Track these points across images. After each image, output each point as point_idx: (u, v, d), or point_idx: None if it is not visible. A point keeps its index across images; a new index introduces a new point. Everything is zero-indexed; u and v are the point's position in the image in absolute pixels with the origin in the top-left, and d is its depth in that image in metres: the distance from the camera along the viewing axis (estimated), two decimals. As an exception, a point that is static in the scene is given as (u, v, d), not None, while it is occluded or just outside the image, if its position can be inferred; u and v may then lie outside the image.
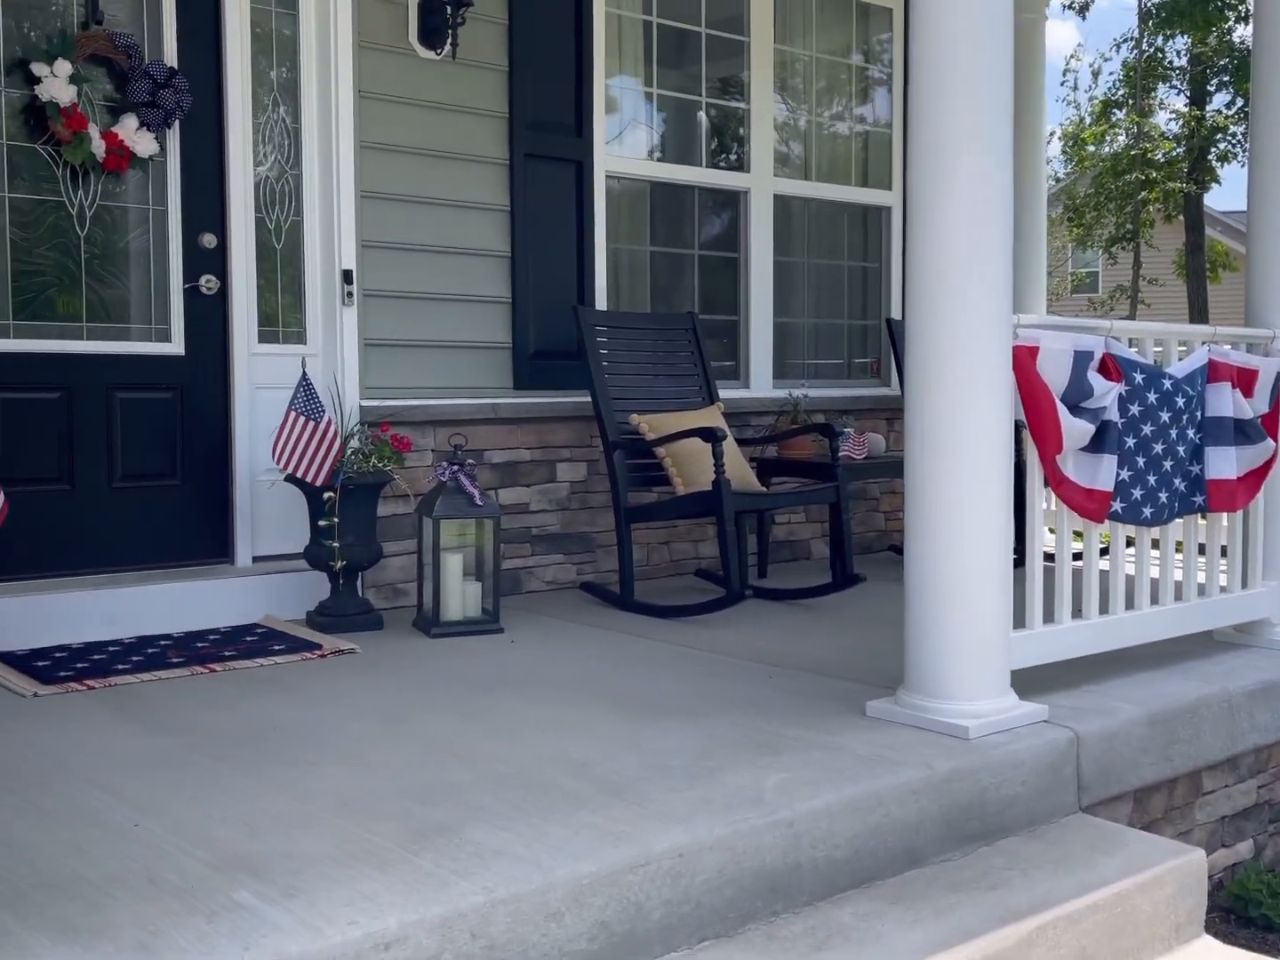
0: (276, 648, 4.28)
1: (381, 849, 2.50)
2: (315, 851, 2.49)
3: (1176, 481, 3.87)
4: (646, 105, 6.02)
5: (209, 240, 4.82)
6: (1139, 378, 3.69)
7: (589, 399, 5.29)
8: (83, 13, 4.54)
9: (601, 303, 5.67)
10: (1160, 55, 21.23)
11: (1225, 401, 3.97)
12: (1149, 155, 21.06)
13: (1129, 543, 3.94)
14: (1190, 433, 3.89)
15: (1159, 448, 3.77)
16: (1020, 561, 3.54)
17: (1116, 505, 3.70)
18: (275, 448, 4.49)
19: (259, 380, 4.93)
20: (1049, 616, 3.64)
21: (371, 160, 5.01)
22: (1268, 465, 4.10)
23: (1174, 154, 21.13)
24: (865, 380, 6.88)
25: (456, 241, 5.24)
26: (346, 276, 4.95)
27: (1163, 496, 3.81)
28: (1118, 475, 3.66)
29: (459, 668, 4.09)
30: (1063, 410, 3.48)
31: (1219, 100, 21.01)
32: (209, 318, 4.84)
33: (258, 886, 2.32)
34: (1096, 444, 3.61)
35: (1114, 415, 3.61)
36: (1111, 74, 28.11)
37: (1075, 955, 2.78)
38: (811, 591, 5.22)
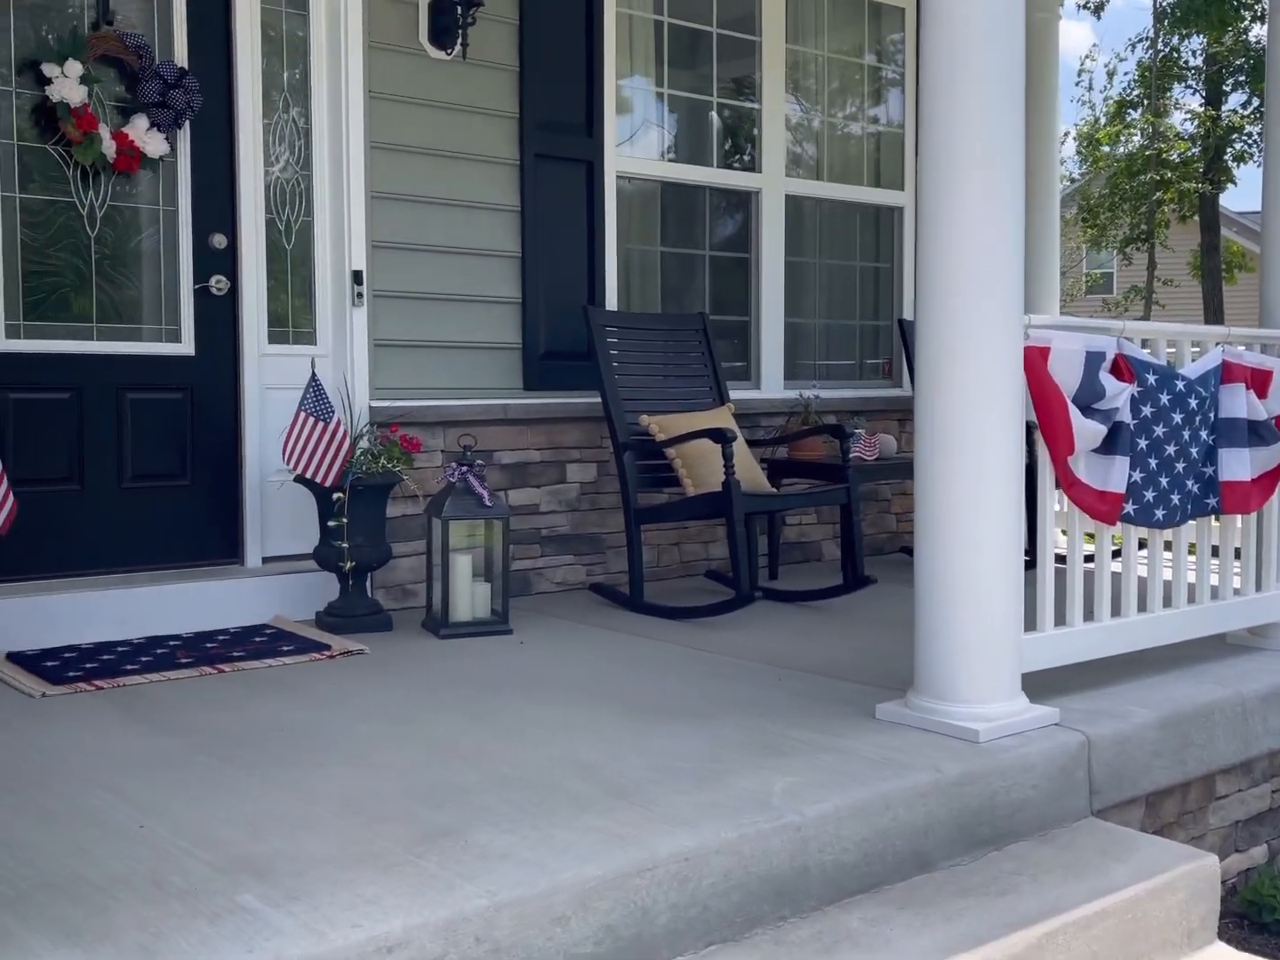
0: (285, 648, 4.28)
1: (386, 851, 2.49)
2: (319, 853, 2.48)
3: (1189, 483, 3.84)
4: (657, 105, 6.00)
5: (219, 241, 4.82)
6: (1152, 379, 3.66)
7: (599, 400, 5.27)
8: (93, 13, 4.54)
9: (612, 303, 5.66)
10: (1176, 55, 21.13)
11: (1239, 403, 3.94)
12: (1164, 155, 20.96)
13: (1141, 544, 3.91)
14: (1203, 434, 3.86)
15: (1171, 449, 3.74)
16: (1032, 563, 3.52)
17: (1129, 507, 3.67)
18: (285, 448, 4.49)
19: (269, 381, 4.92)
20: (1060, 619, 3.61)
21: (382, 160, 5.00)
22: (1282, 467, 4.06)
23: (1189, 154, 21.03)
24: (877, 381, 6.86)
25: (466, 242, 5.23)
26: (356, 277, 4.95)
27: (1175, 498, 3.78)
28: (1130, 477, 3.63)
29: (467, 669, 4.08)
30: (1074, 411, 3.45)
31: (1235, 100, 20.93)
32: (219, 318, 4.85)
33: (261, 889, 2.31)
34: (1109, 445, 3.58)
35: (1126, 416, 3.58)
36: (1126, 74, 28.01)
37: (1086, 961, 2.75)
38: (822, 593, 5.20)
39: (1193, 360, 3.96)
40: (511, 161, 5.34)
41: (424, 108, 5.10)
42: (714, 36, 6.09)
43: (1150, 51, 20.91)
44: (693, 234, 6.17)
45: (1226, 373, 3.94)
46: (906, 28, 6.79)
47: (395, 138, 5.03)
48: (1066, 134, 24.58)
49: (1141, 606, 3.86)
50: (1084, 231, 23.08)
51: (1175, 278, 22.42)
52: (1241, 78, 20.42)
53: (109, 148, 4.50)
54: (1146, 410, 3.65)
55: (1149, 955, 2.90)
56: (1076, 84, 33.51)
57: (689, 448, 5.07)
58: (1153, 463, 3.70)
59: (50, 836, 2.59)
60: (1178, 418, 3.74)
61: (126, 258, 4.68)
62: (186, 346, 4.79)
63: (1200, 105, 21.22)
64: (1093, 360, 3.50)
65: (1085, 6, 19.09)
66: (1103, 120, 23.66)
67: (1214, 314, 19.40)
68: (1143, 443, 3.65)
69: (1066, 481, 3.54)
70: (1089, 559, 3.82)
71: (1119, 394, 3.55)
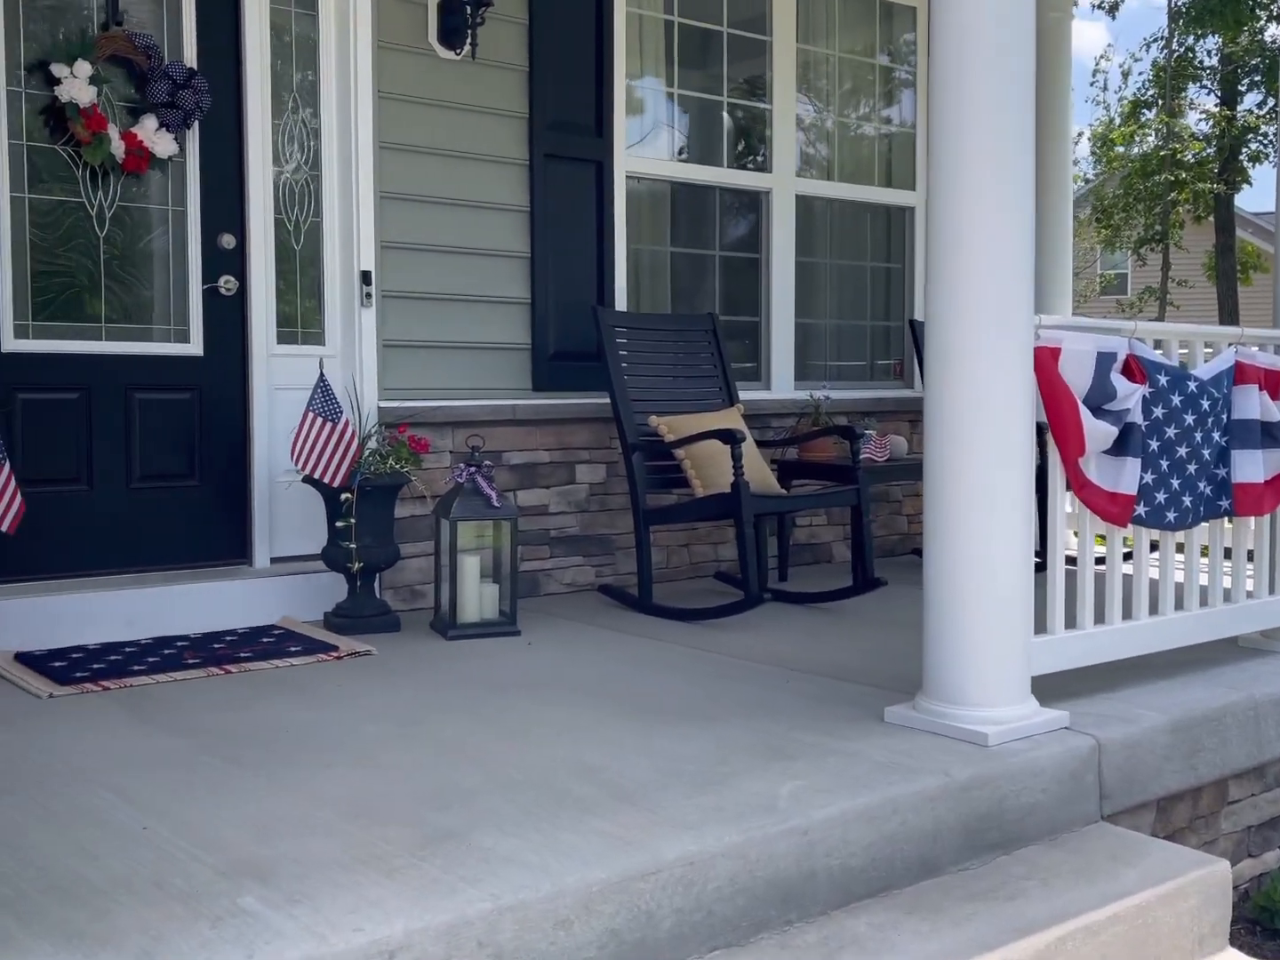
0: (293, 649, 4.27)
1: (389, 854, 2.48)
2: (323, 856, 2.47)
3: (1201, 485, 3.81)
4: (668, 105, 5.99)
5: (228, 241, 4.82)
6: (1163, 379, 3.63)
7: (608, 400, 5.26)
8: (103, 14, 4.54)
9: (621, 304, 5.64)
10: (1191, 55, 21.04)
11: (1252, 404, 3.91)
12: (1179, 156, 20.87)
13: (1153, 546, 3.88)
14: (1216, 435, 3.83)
15: (1183, 450, 3.71)
16: (1042, 565, 3.50)
17: (1140, 509, 3.64)
18: (293, 448, 4.49)
19: (278, 381, 4.92)
20: (1071, 621, 3.58)
21: (391, 161, 5.00)
22: (1296, 469, 4.03)
23: (1204, 154, 20.93)
24: (888, 382, 6.83)
25: (475, 242, 5.22)
26: (365, 277, 4.94)
27: (1187, 500, 3.75)
28: (1141, 478, 3.60)
29: (475, 670, 4.07)
30: (1085, 412, 3.43)
31: (1250, 100, 20.83)
32: (228, 318, 4.84)
33: (263, 892, 2.30)
34: (1119, 447, 3.55)
35: (1137, 417, 3.56)
36: (1141, 74, 27.93)
37: (1095, 967, 2.73)
38: (831, 595, 5.17)
39: (1205, 361, 3.93)
40: (521, 161, 5.33)
41: (433, 108, 5.09)
42: (724, 36, 6.08)
43: (1165, 51, 20.83)
44: (703, 234, 6.15)
45: (1240, 374, 3.90)
46: (919, 28, 6.76)
47: (404, 138, 5.02)
48: (1080, 134, 24.52)
49: (1153, 609, 3.83)
50: (1098, 232, 23.00)
51: (1190, 279, 22.32)
52: (1257, 78, 20.32)
53: (118, 148, 4.50)
54: (1158, 411, 3.62)
55: (1159, 961, 2.88)
56: (1091, 84, 33.49)
57: (698, 449, 5.05)
58: (1164, 464, 3.67)
59: (53, 837, 2.58)
60: (1190, 419, 3.71)
61: (135, 258, 4.68)
62: (195, 347, 4.79)
63: (1215, 105, 21.13)
64: (1104, 361, 3.47)
65: (1100, 6, 19.02)
66: (1117, 120, 23.58)
67: (1229, 315, 19.31)
68: (1154, 444, 3.62)
69: (1077, 483, 3.52)
70: (1100, 561, 3.78)
71: (1130, 395, 3.52)
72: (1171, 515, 3.73)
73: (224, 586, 4.67)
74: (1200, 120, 21.81)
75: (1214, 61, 21.04)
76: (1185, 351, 3.94)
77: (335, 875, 2.37)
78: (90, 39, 4.47)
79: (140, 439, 4.68)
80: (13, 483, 4.04)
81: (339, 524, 4.52)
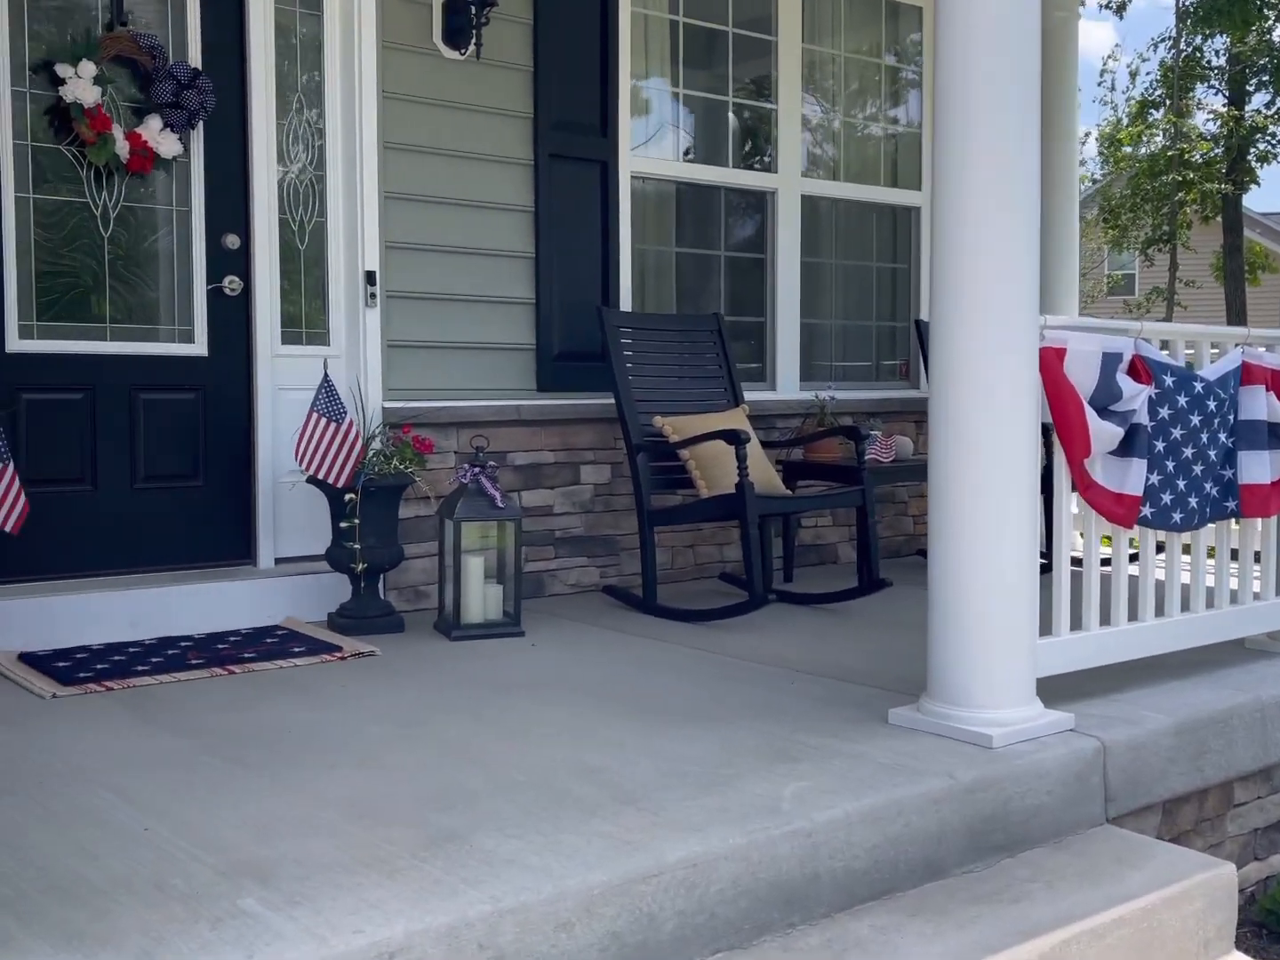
0: (296, 650, 4.27)
1: (391, 856, 2.47)
2: (324, 857, 2.46)
3: (1208, 486, 3.79)
4: (673, 105, 5.98)
5: (232, 241, 4.82)
6: (1169, 380, 3.62)
7: (613, 401, 5.25)
8: (107, 14, 4.54)
9: (626, 304, 5.64)
10: (1199, 55, 20.99)
11: (1259, 404, 3.89)
12: (1186, 156, 20.82)
13: (1159, 548, 3.86)
14: (1222, 436, 3.81)
15: (1189, 452, 3.69)
16: (1047, 567, 3.48)
17: (1146, 510, 3.62)
18: (297, 449, 4.48)
19: (282, 381, 4.92)
20: (1076, 623, 3.57)
21: (395, 161, 4.99)
22: (1303, 470, 4.01)
23: (1212, 154, 20.88)
24: (893, 382, 6.81)
25: (480, 242, 5.21)
26: (370, 277, 4.94)
27: (1193, 501, 3.74)
28: (1147, 479, 3.59)
29: (478, 671, 4.06)
30: (1090, 413, 3.41)
31: (1258, 100, 20.76)
32: (232, 319, 4.84)
33: (263, 893, 2.29)
34: (1125, 448, 3.54)
35: (1143, 418, 3.54)
36: (1149, 74, 27.87)
37: (1100, 971, 2.71)
38: (836, 596, 5.16)
39: (1212, 362, 3.91)
40: (525, 161, 5.32)
41: (438, 108, 5.09)
42: (729, 36, 6.06)
43: (1173, 51, 20.79)
44: (708, 234, 6.14)
45: (1246, 374, 3.89)
46: (925, 28, 6.75)
47: (409, 138, 5.02)
48: (1088, 135, 24.48)
49: (1159, 611, 3.82)
50: (1105, 232, 22.95)
51: (1197, 279, 22.27)
52: (1265, 78, 20.25)
53: (122, 148, 4.50)
54: (1164, 412, 3.61)
55: (1165, 965, 2.87)
56: (1099, 84, 33.42)
57: (703, 449, 5.04)
58: (1170, 465, 3.65)
59: (53, 837, 2.58)
60: (1196, 420, 3.69)
61: (140, 258, 4.68)
62: (199, 347, 4.79)
63: (1223, 105, 21.07)
64: (1109, 361, 3.46)
65: (1107, 6, 19.00)
66: (1125, 121, 23.52)
67: (1236, 315, 19.26)
68: (1160, 445, 3.61)
69: (1082, 484, 3.50)
70: (1105, 562, 3.77)
71: (1136, 395, 3.51)
72: (1177, 516, 3.71)
73: (228, 587, 4.67)
74: (1208, 120, 21.77)
75: (1222, 61, 20.99)
76: (1191, 352, 3.93)
77: (336, 876, 2.36)
78: (95, 39, 4.47)
79: (144, 439, 4.68)
80: (17, 483, 4.04)
81: (343, 524, 4.52)
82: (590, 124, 5.50)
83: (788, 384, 6.23)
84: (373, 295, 4.94)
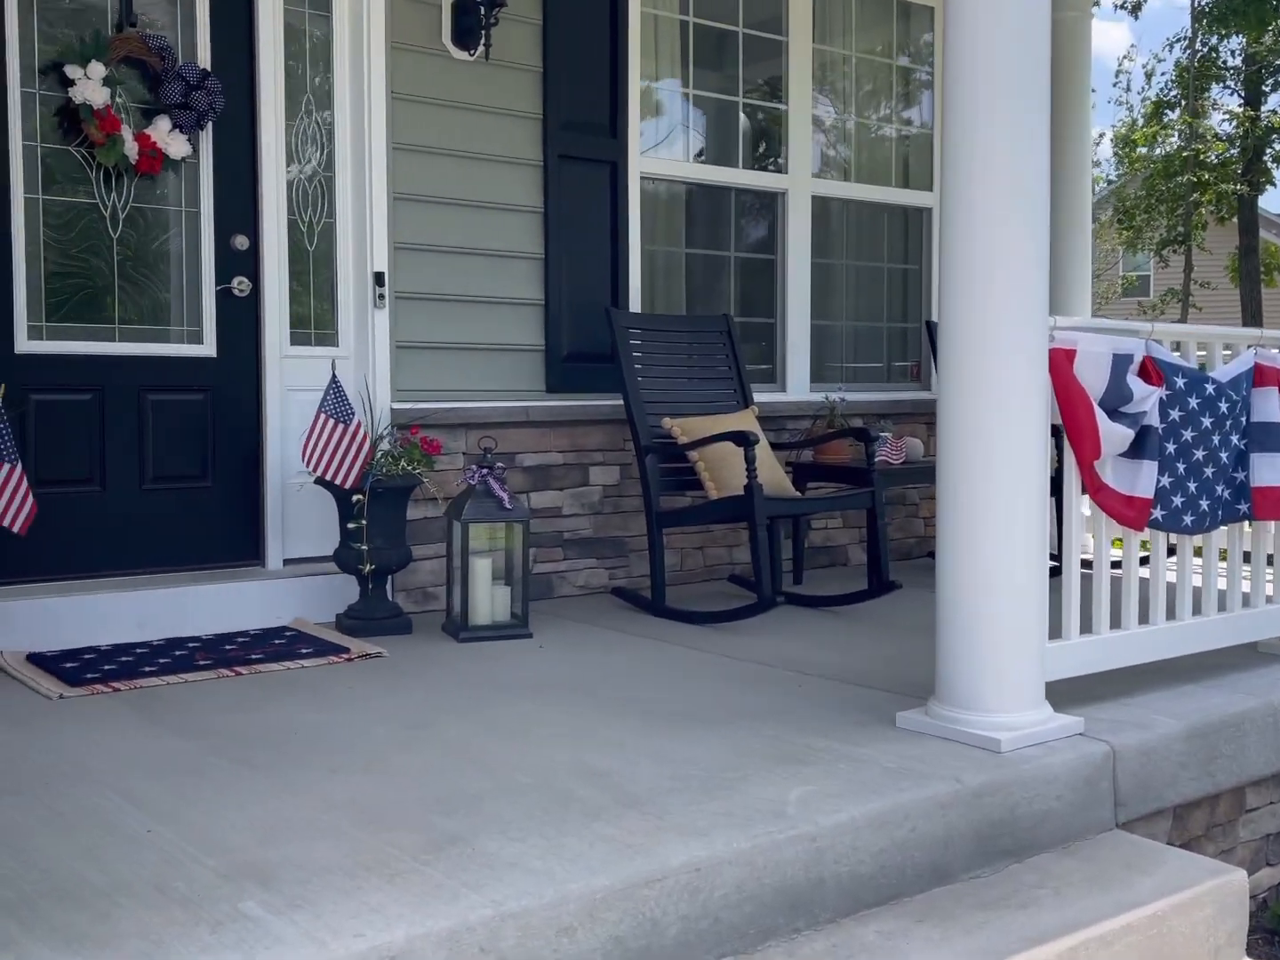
0: (304, 651, 4.26)
1: (393, 859, 2.46)
2: (326, 860, 2.45)
3: (1219, 488, 3.76)
4: (683, 106, 5.96)
5: (241, 242, 4.82)
6: (1180, 382, 3.59)
7: (622, 402, 5.23)
8: (116, 15, 4.55)
9: (636, 305, 5.62)
10: (1214, 55, 20.90)
11: (1272, 406, 3.86)
12: (1202, 157, 20.73)
13: (1170, 551, 3.83)
14: (1234, 438, 3.78)
15: (1200, 454, 3.66)
16: (1057, 570, 3.46)
17: (1157, 513, 3.59)
18: (305, 450, 4.48)
19: (291, 382, 4.92)
20: (1086, 627, 3.54)
21: (404, 161, 4.99)
22: (1316, 472, 3.97)
23: (1227, 155, 20.78)
24: (904, 384, 6.79)
25: (489, 243, 5.21)
26: (378, 278, 4.93)
27: (1204, 504, 3.71)
28: (1158, 482, 3.56)
29: (485, 673, 4.05)
30: (1101, 415, 3.39)
31: (1275, 100, 20.79)
32: (241, 319, 4.84)
33: (265, 896, 2.28)
34: (1136, 450, 3.51)
35: (1154, 420, 3.51)
36: (1164, 74, 27.76)
37: (1108, 978, 2.69)
38: (845, 598, 5.14)
39: (1224, 363, 3.88)
40: (535, 162, 5.32)
41: (447, 109, 5.08)
42: (740, 37, 6.05)
43: (1188, 51, 20.70)
44: (718, 235, 6.12)
45: (1259, 376, 3.86)
46: (936, 28, 6.72)
47: (418, 139, 5.01)
48: (1103, 135, 24.40)
49: (1170, 614, 3.79)
50: (1120, 233, 22.87)
51: (1212, 280, 22.17)
52: (1281, 78, 20.18)
53: (131, 149, 4.51)
54: (1175, 414, 3.58)
55: (1174, 972, 2.84)
56: (1114, 84, 33.32)
57: (711, 450, 5.02)
58: (1181, 467, 3.62)
59: (57, 839, 2.58)
60: (1207, 422, 3.66)
61: (149, 259, 4.68)
62: (208, 348, 4.79)
63: (1239, 106, 20.98)
64: (1120, 363, 3.43)
65: (1123, 6, 18.94)
66: (1140, 121, 23.44)
67: (1252, 317, 19.17)
68: (1171, 447, 3.58)
69: (1093, 486, 3.48)
70: (1116, 565, 3.74)
71: (1147, 397, 3.48)
72: (1189, 519, 3.68)
73: (236, 588, 4.67)
74: (1224, 121, 21.67)
75: (1238, 62, 20.90)
76: (1203, 354, 3.90)
77: (338, 880, 2.35)
78: (104, 40, 4.48)
79: (153, 440, 4.68)
80: (25, 483, 4.04)
81: (351, 526, 4.51)
82: (600, 125, 5.49)
83: (798, 385, 6.21)
84: (381, 296, 4.94)
